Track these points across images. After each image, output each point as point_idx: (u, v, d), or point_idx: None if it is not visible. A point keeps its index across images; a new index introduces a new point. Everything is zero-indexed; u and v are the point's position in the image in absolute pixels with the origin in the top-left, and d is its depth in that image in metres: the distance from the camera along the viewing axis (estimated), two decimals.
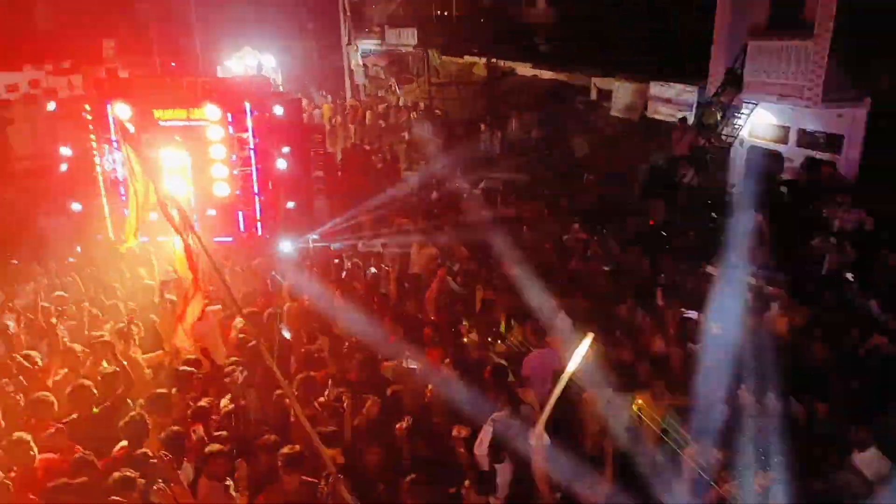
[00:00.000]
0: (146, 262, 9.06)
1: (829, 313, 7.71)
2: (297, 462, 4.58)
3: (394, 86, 28.61)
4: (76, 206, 9.95)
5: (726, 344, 7.37)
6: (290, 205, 11.34)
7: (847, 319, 7.61)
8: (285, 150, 10.95)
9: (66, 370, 6.34)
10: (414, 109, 24.38)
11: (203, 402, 5.56)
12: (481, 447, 4.98)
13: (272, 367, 4.28)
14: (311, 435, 4.09)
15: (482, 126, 20.49)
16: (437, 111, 23.18)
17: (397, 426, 5.01)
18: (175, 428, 4.96)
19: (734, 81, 13.40)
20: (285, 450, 4.65)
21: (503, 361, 6.57)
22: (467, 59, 24.48)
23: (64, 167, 9.52)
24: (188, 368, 5.93)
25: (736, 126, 13.49)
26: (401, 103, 25.72)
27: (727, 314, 7.92)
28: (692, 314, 8.13)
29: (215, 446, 4.79)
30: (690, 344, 7.36)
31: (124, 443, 4.96)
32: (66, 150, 9.68)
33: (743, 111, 13.32)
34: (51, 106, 10.08)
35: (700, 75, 14.43)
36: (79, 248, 9.82)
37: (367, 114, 25.50)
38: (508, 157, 18.33)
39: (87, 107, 9.40)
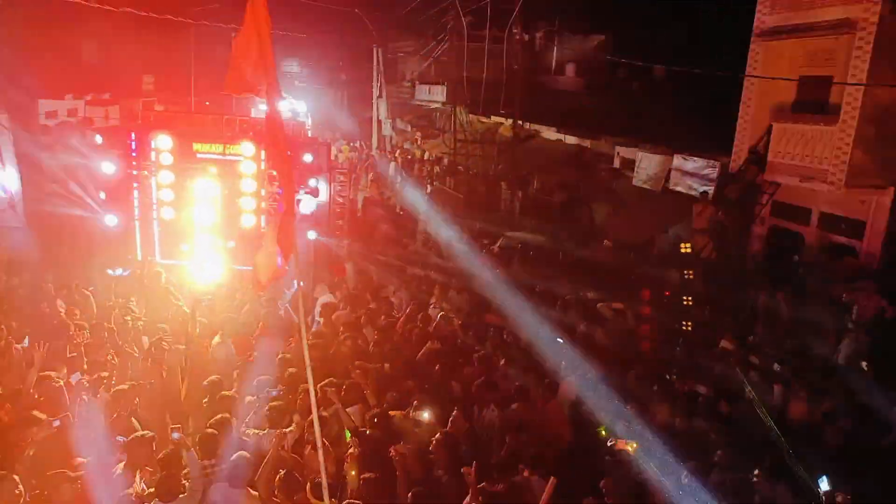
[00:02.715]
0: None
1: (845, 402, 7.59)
2: None
3: (419, 140, 29.25)
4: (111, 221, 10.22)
5: (735, 423, 7.27)
6: (312, 235, 11.50)
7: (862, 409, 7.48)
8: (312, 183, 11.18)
9: None
10: (437, 164, 24.83)
11: None
12: None
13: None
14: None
15: (503, 185, 20.79)
16: (459, 167, 23.59)
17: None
18: None
19: (757, 160, 13.58)
20: None
21: None
22: (493, 118, 25.04)
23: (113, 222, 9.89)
24: None
25: (757, 204, 13.58)
26: (425, 157, 26.21)
27: (737, 393, 7.85)
28: (701, 389, 8.04)
29: None
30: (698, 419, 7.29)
31: None
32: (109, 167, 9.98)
33: (765, 190, 13.44)
34: (98, 139, 10.50)
35: (724, 151, 14.64)
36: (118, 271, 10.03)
37: (391, 165, 26.01)
38: (527, 218, 18.52)
39: (133, 135, 9.77)
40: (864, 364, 8.53)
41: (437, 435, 5.68)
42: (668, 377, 8.48)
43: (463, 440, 6.10)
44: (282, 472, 5.13)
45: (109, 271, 9.91)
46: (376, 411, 6.12)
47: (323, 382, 6.49)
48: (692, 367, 8.70)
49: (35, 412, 5.59)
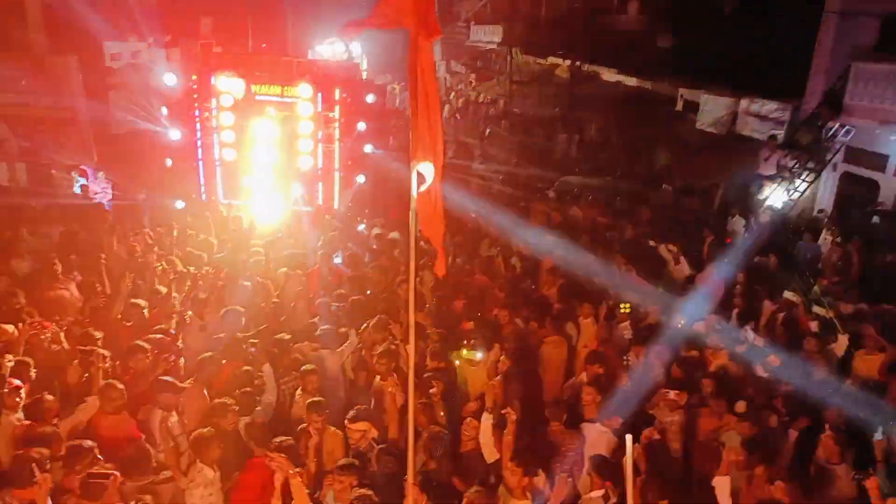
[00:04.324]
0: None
1: None
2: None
3: (473, 82, 28.69)
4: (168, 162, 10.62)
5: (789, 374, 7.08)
6: (360, 179, 11.57)
7: None
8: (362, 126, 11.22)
9: None
10: (492, 106, 24.43)
11: None
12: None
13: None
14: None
15: (560, 128, 20.34)
16: (515, 110, 23.14)
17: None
18: None
19: (833, 103, 12.82)
20: None
21: None
22: (550, 60, 24.29)
23: (176, 135, 10.13)
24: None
25: (830, 149, 12.90)
26: (480, 99, 25.80)
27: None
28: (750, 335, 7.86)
29: None
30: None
31: None
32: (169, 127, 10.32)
33: (840, 135, 12.72)
34: (170, 80, 10.75)
35: (795, 93, 13.86)
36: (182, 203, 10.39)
37: (445, 108, 25.74)
38: (585, 162, 18.14)
39: (194, 77, 9.94)
40: None
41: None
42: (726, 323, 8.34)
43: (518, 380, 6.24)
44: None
45: (179, 204, 10.24)
46: (435, 346, 6.30)
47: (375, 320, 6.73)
48: (752, 316, 8.50)
49: (139, 342, 5.97)
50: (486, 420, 5.23)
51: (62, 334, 6.33)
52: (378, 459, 4.92)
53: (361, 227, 10.48)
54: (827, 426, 5.60)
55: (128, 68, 18.79)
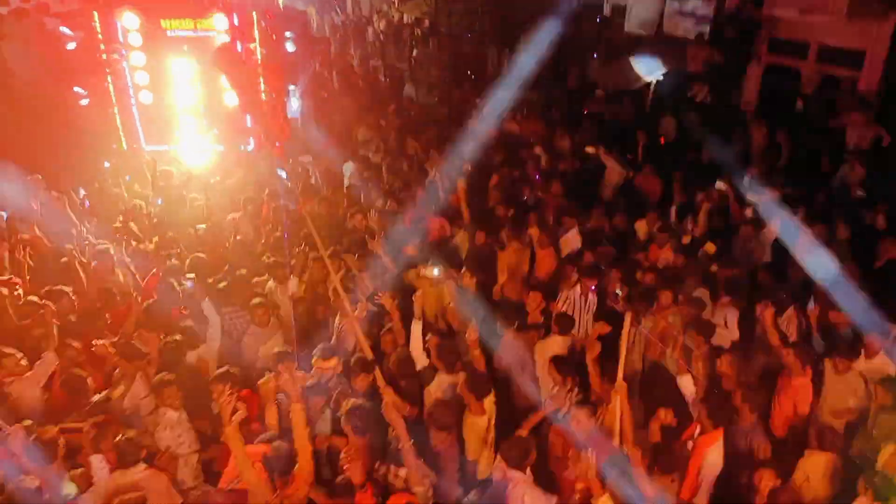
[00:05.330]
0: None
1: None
2: None
3: (396, 2, 27.56)
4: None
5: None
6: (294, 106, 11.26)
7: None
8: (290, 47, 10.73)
9: None
10: (419, 27, 23.62)
11: None
12: None
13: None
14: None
15: (489, 43, 19.93)
16: (442, 29, 22.42)
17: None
18: None
19: None
20: None
21: None
22: None
23: (84, 102, 9.46)
24: None
25: (755, 42, 13.10)
26: (404, 20, 24.89)
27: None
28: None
29: None
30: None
31: None
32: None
33: (763, 26, 12.91)
34: (65, 31, 9.89)
35: None
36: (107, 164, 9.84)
37: (369, 30, 24.81)
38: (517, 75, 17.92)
39: (96, 15, 9.19)
40: (860, 192, 8.64)
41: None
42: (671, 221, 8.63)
43: None
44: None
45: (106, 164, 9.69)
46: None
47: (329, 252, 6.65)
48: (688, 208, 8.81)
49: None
50: (416, 328, 5.34)
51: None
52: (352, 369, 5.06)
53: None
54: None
55: (18, 13, 17.15)
